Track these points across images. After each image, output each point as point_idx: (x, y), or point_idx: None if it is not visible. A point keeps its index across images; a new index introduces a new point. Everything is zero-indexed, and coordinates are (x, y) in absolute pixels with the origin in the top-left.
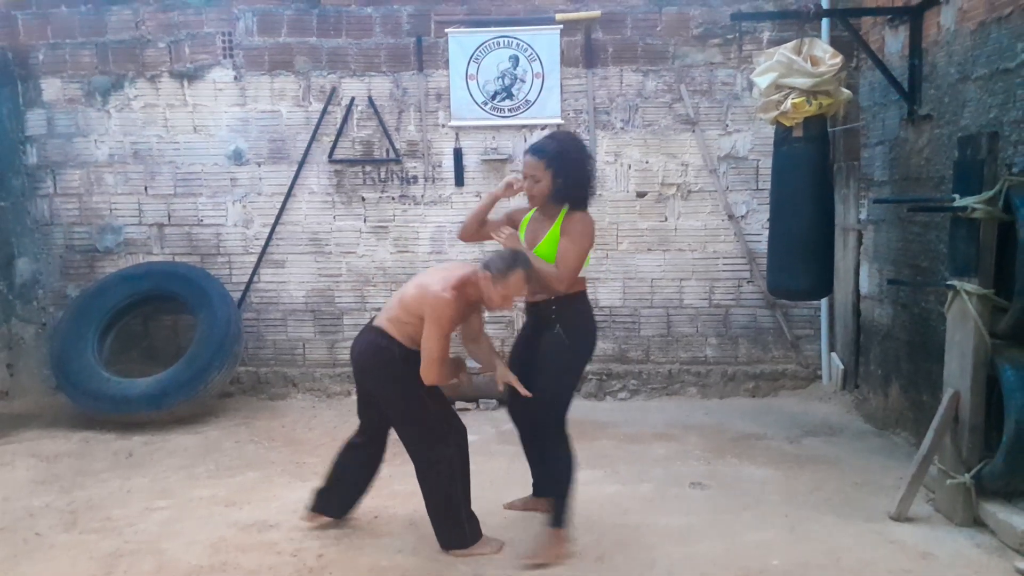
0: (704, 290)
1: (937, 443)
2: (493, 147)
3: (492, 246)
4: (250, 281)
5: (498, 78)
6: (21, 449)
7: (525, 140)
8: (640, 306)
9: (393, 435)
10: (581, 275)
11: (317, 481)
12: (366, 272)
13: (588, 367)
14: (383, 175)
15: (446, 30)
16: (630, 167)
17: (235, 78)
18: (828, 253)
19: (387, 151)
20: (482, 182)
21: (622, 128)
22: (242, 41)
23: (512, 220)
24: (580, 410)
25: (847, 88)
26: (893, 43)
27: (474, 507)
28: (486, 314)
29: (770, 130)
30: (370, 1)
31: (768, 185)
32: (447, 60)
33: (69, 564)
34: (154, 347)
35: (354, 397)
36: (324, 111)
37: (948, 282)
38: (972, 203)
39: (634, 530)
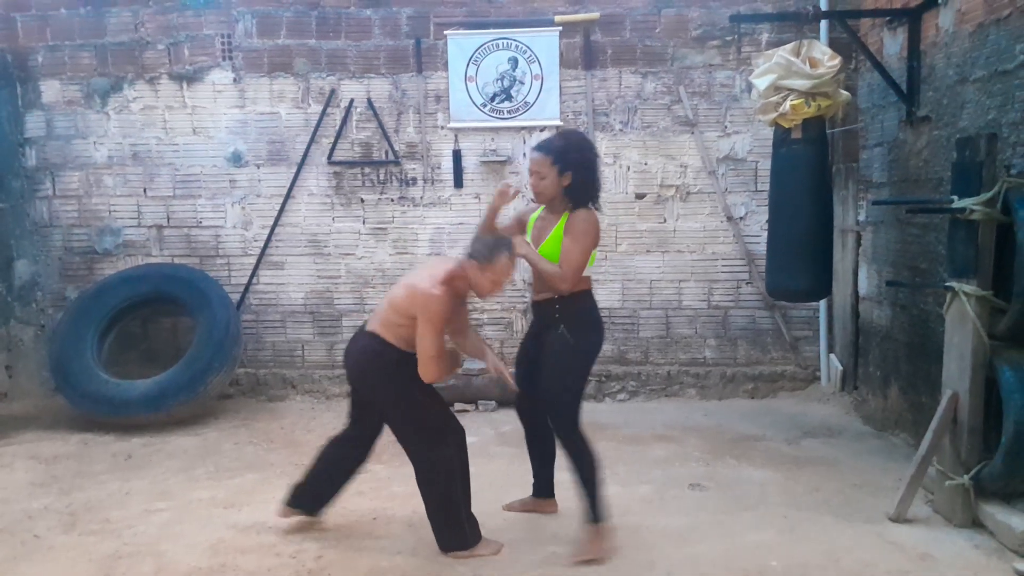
0: (703, 291)
1: (936, 444)
2: (492, 149)
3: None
4: (249, 283)
5: (497, 80)
6: (20, 451)
7: (524, 142)
8: (639, 307)
9: (390, 438)
10: (586, 274)
11: None
12: (365, 274)
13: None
14: (382, 177)
15: (445, 32)
16: (629, 169)
17: (234, 80)
18: (827, 254)
19: (386, 153)
20: (481, 184)
21: (621, 130)
22: (241, 43)
23: (521, 220)
24: None
25: (846, 90)
26: (892, 45)
27: (473, 508)
28: (485, 314)
29: (769, 132)
30: (369, 3)
31: (767, 186)
32: (446, 62)
33: (68, 566)
34: (153, 349)
35: None
36: (323, 113)
37: (947, 283)
38: (971, 205)
39: (633, 531)
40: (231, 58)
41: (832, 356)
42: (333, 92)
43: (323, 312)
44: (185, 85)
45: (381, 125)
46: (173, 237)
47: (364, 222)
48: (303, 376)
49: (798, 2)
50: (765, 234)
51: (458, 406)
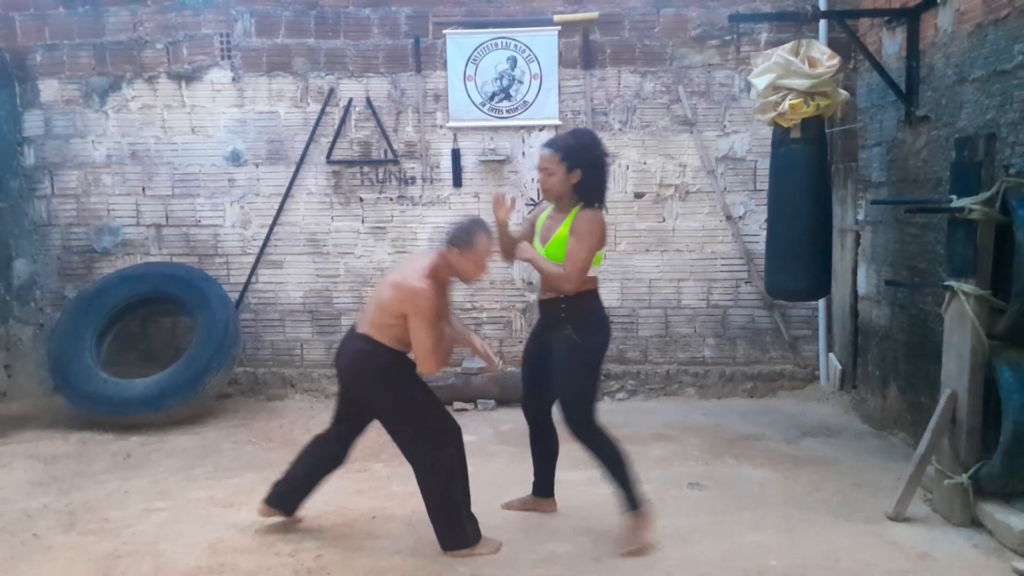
0: (702, 291)
1: (935, 444)
2: (491, 148)
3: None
4: (248, 282)
5: (496, 79)
6: (19, 450)
7: (523, 141)
8: (638, 307)
9: (388, 436)
10: (592, 274)
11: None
12: (364, 273)
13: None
14: (381, 176)
15: (444, 31)
16: (628, 168)
17: (233, 79)
18: (826, 254)
19: (385, 152)
20: (480, 183)
21: (620, 129)
22: (240, 42)
23: (532, 222)
24: (555, 400)
25: (844, 89)
26: (890, 45)
27: (472, 507)
28: (484, 313)
29: (768, 131)
30: (368, 2)
31: (766, 186)
32: (445, 61)
33: (67, 565)
34: (152, 348)
35: None
36: (322, 112)
37: (945, 283)
38: (969, 204)
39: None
40: (230, 57)
41: (831, 355)
42: (332, 91)
43: (322, 311)
44: (184, 84)
45: (380, 124)
46: (172, 236)
47: (363, 221)
48: (302, 375)
49: (797, 2)
50: (764, 233)
51: (457, 405)
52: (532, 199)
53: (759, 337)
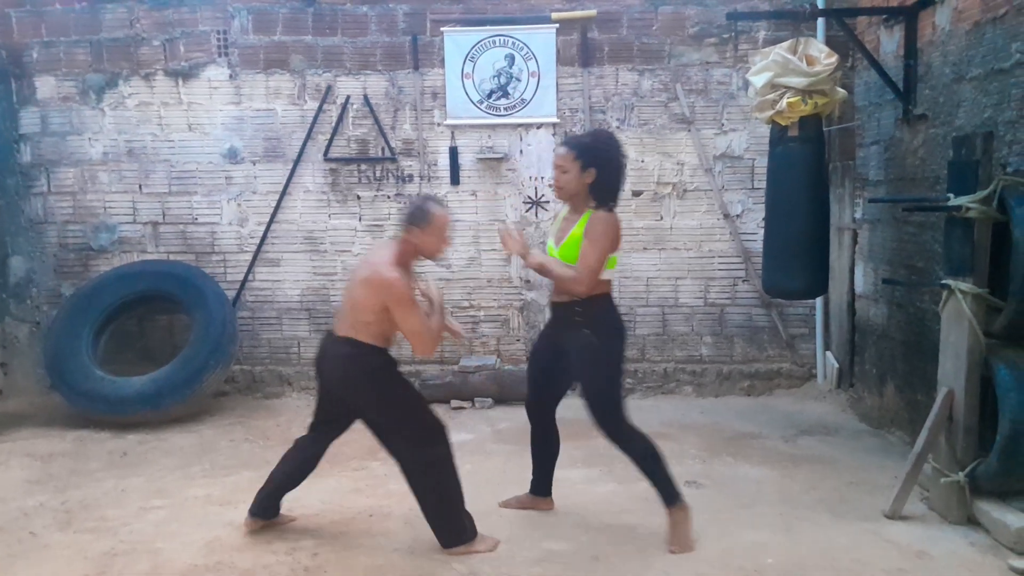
0: (699, 289)
1: (931, 442)
2: (489, 146)
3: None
4: (245, 280)
5: (494, 77)
6: (15, 448)
7: (521, 139)
8: (635, 305)
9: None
10: (606, 277)
11: (313, 481)
12: None
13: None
14: (379, 174)
15: (442, 29)
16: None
17: (230, 76)
18: (823, 252)
19: (383, 150)
20: (477, 181)
21: (618, 127)
22: (237, 39)
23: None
24: (574, 408)
25: (842, 88)
26: (888, 43)
27: (470, 505)
28: (482, 312)
29: (766, 129)
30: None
31: (764, 184)
32: (443, 59)
33: (64, 564)
34: (149, 346)
35: None
36: (319, 109)
37: (943, 282)
38: (967, 203)
39: (630, 529)
40: (227, 54)
41: (828, 354)
42: (329, 89)
43: (319, 309)
44: (181, 81)
45: (377, 122)
46: (169, 234)
47: (360, 219)
48: (299, 373)
49: (795, 0)
50: (762, 232)
51: (454, 403)
52: (530, 197)
53: (756, 335)
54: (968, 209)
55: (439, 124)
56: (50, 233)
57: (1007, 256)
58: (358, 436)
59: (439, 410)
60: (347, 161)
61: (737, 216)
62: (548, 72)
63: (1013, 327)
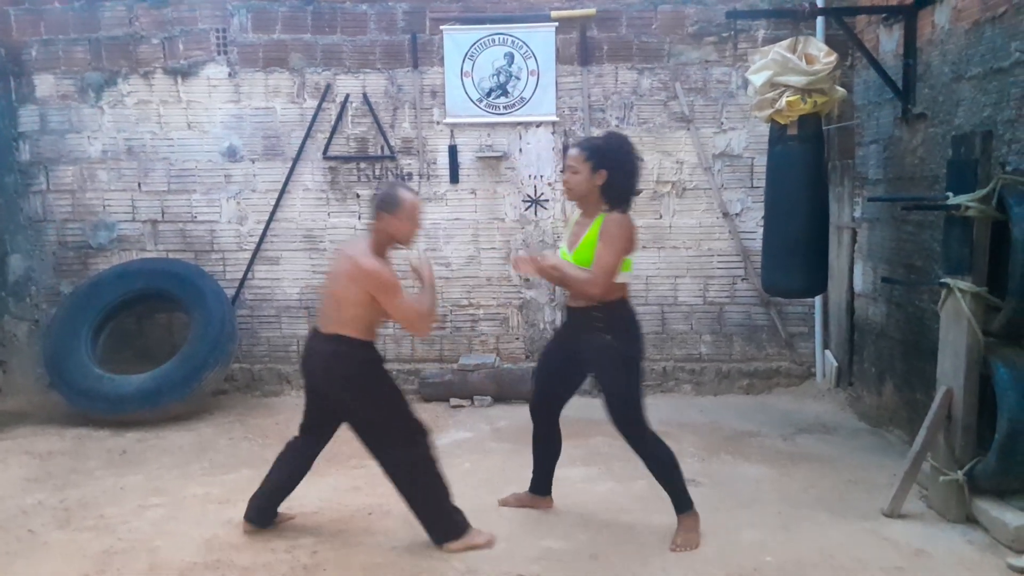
0: (698, 288)
1: (930, 440)
2: (488, 144)
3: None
4: (244, 278)
5: (493, 75)
6: (14, 447)
7: (520, 137)
8: (634, 303)
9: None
10: (623, 280)
11: (312, 479)
12: None
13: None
14: (378, 172)
15: (441, 27)
16: None
17: (229, 75)
18: (822, 251)
19: (382, 148)
20: (477, 179)
21: (617, 126)
22: (236, 37)
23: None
24: (574, 407)
25: (842, 86)
26: (888, 42)
27: (469, 503)
28: (481, 310)
29: (765, 128)
30: None
31: (763, 183)
32: (442, 57)
33: (63, 562)
34: (148, 345)
35: None
36: (319, 108)
37: (942, 280)
38: (966, 202)
39: (628, 528)
40: (226, 53)
41: (827, 353)
42: (328, 87)
43: (318, 307)
44: (180, 79)
45: (377, 120)
46: (168, 232)
47: (359, 217)
48: (298, 371)
49: None
50: (761, 230)
51: (454, 401)
52: (529, 195)
53: (755, 334)
54: (967, 208)
55: (438, 122)
56: (49, 231)
57: (1006, 255)
58: (327, 444)
59: (438, 408)
60: (346, 159)
61: (736, 215)
62: (547, 71)
63: (1012, 326)
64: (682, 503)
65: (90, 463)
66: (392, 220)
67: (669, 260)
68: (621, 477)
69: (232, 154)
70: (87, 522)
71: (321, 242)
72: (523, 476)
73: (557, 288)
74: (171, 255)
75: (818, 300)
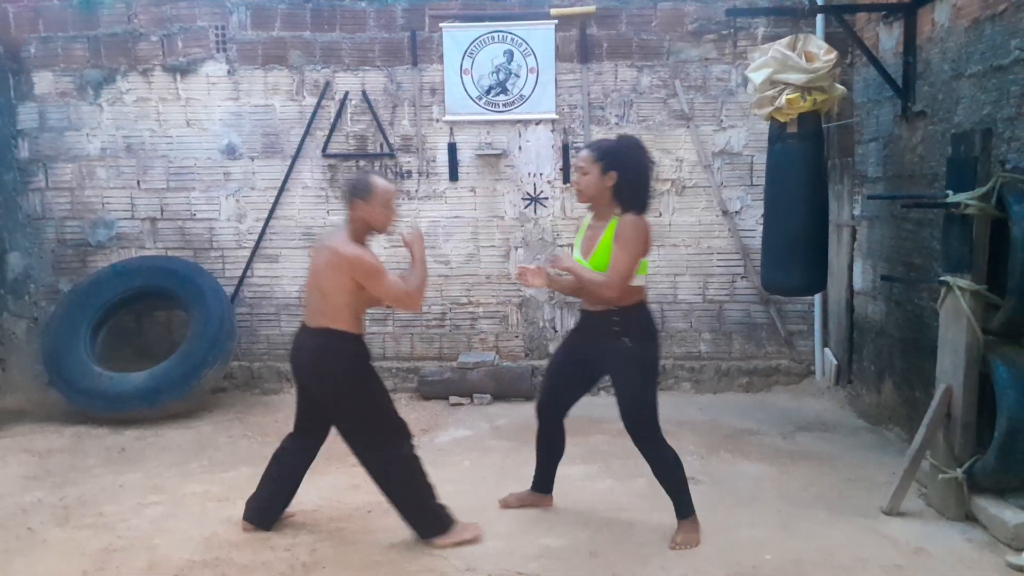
0: (698, 286)
1: (929, 439)
2: (487, 142)
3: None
4: (243, 276)
5: (492, 73)
6: (13, 444)
7: (520, 135)
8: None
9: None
10: (639, 283)
11: (311, 477)
12: None
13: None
14: (377, 170)
15: (440, 24)
16: None
17: (228, 72)
18: (822, 249)
19: (381, 146)
20: (476, 177)
21: (617, 124)
22: (235, 35)
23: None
24: (576, 406)
25: (841, 84)
26: (887, 39)
27: (469, 501)
28: (480, 308)
29: (764, 126)
30: None
31: (762, 181)
32: (441, 55)
33: (61, 560)
34: (147, 342)
35: None
36: (318, 105)
37: (941, 279)
38: (965, 199)
39: (628, 526)
40: (225, 50)
41: (827, 351)
42: (328, 84)
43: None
44: (179, 77)
45: (376, 118)
46: (167, 230)
47: None
48: None
49: None
50: (760, 228)
51: (453, 399)
52: (528, 193)
53: (755, 332)
54: (967, 206)
55: (438, 120)
56: (48, 229)
57: (1005, 253)
58: (323, 444)
59: (437, 406)
60: (345, 157)
61: (736, 213)
62: (547, 68)
63: (1011, 324)
64: (684, 509)
65: (89, 461)
66: (366, 207)
67: (669, 258)
68: (621, 475)
69: (231, 152)
70: (86, 520)
71: (320, 240)
72: (522, 473)
73: None
74: (170, 253)
75: (817, 298)
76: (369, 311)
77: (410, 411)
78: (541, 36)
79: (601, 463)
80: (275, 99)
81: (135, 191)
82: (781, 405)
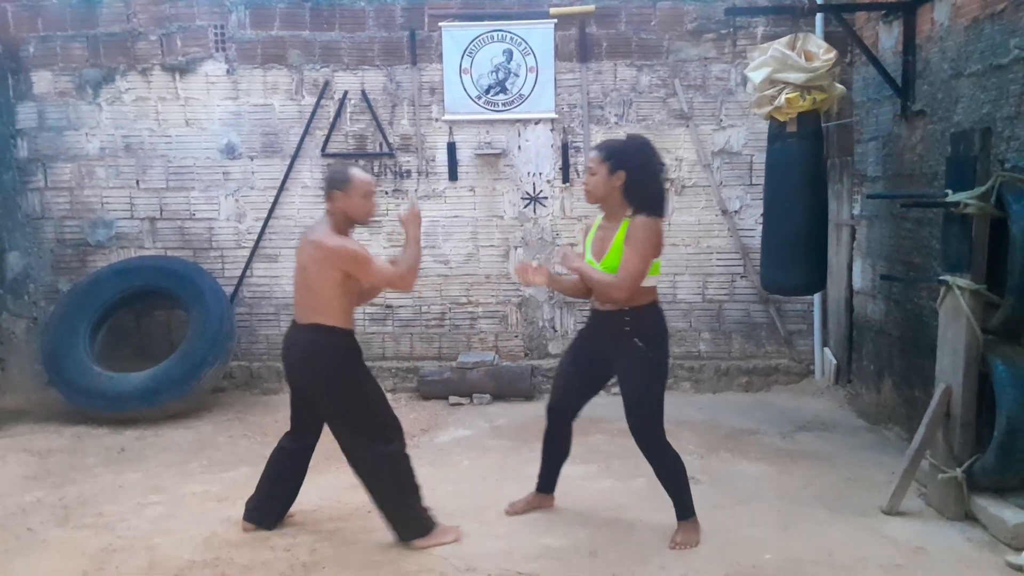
0: (697, 285)
1: (929, 438)
2: (487, 141)
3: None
4: (243, 275)
5: (492, 72)
6: (13, 444)
7: (519, 134)
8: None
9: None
10: (651, 284)
11: (311, 477)
12: None
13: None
14: (376, 169)
15: (440, 24)
16: None
17: (227, 71)
18: (821, 249)
19: (380, 145)
20: (476, 176)
21: (616, 123)
22: (235, 34)
23: (584, 234)
24: (584, 406)
25: (841, 83)
26: (887, 39)
27: (468, 501)
28: (480, 308)
29: (764, 125)
30: None
31: (762, 180)
32: (441, 54)
33: (61, 560)
34: (146, 342)
35: None
36: (317, 105)
37: (940, 278)
38: (965, 199)
39: (627, 525)
40: (224, 49)
41: (826, 350)
42: (327, 84)
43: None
44: (178, 76)
45: (375, 117)
46: (166, 229)
47: None
48: None
49: None
50: (760, 228)
51: (452, 399)
52: (527, 193)
53: (754, 332)
54: (966, 205)
55: (437, 120)
56: (47, 229)
57: (1005, 252)
58: (317, 442)
59: (437, 406)
60: (345, 157)
61: (735, 212)
62: (546, 67)
63: (1010, 323)
64: (685, 510)
65: (89, 461)
66: (344, 198)
67: (668, 257)
68: (620, 475)
69: (230, 151)
70: (86, 520)
71: None
72: (522, 473)
73: None
74: (169, 252)
75: (817, 297)
76: (369, 311)
77: (409, 411)
78: (540, 35)
79: (601, 463)
80: (274, 98)
81: (134, 191)
82: (781, 405)
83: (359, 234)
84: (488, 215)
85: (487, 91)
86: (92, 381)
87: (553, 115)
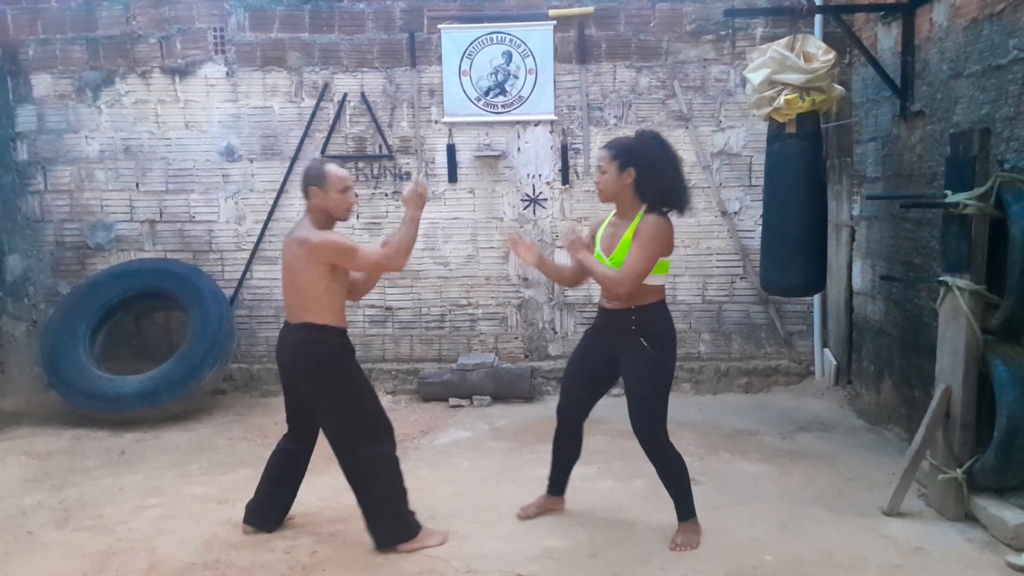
0: (697, 286)
1: (929, 438)
2: (486, 143)
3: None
4: (243, 278)
5: (491, 74)
6: (12, 447)
7: (519, 136)
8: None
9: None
10: (659, 283)
11: (310, 478)
12: None
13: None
14: (376, 171)
15: (439, 26)
16: None
17: (227, 74)
18: (821, 249)
19: (380, 147)
20: (475, 178)
21: (615, 124)
22: (234, 36)
23: (593, 229)
24: (594, 407)
25: (840, 84)
26: (886, 39)
27: (468, 502)
28: (479, 309)
29: (763, 126)
30: None
31: (761, 181)
32: (440, 56)
33: (61, 562)
34: (146, 345)
35: None
36: (317, 107)
37: (940, 278)
38: (964, 199)
39: (628, 526)
40: (224, 52)
41: (826, 351)
42: (327, 86)
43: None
44: (177, 79)
45: (375, 119)
46: (166, 232)
47: (358, 217)
48: None
49: None
50: (759, 229)
51: (452, 401)
52: (527, 194)
53: (754, 333)
54: (965, 206)
55: (436, 122)
56: (47, 231)
57: (1004, 252)
58: (315, 443)
59: (437, 408)
60: (344, 159)
61: (735, 213)
62: (545, 69)
63: (1010, 323)
64: (686, 511)
65: (88, 463)
66: (322, 194)
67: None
68: (621, 475)
69: (230, 154)
70: (85, 522)
71: None
72: (522, 475)
73: (556, 287)
74: (169, 255)
75: (817, 298)
76: (369, 313)
77: (409, 413)
78: (539, 37)
79: (601, 463)
80: (274, 101)
81: (134, 193)
82: (780, 405)
83: (360, 236)
84: (488, 217)
85: (486, 93)
86: (92, 383)
87: (552, 117)
